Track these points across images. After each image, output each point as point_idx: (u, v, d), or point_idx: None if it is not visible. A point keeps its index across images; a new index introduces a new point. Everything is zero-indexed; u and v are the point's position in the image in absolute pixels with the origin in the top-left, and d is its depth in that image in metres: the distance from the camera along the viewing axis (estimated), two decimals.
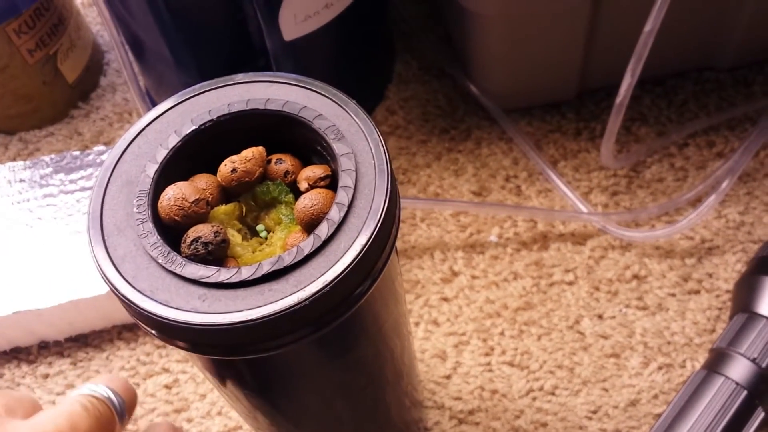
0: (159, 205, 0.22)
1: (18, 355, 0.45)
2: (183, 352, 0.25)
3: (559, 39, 0.45)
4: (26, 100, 0.52)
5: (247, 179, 0.23)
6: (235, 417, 0.42)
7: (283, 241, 0.23)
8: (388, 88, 0.53)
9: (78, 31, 0.54)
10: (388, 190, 0.22)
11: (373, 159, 0.22)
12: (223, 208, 0.23)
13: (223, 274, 0.21)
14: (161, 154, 0.23)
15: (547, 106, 0.51)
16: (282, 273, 0.21)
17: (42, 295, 0.42)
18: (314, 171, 0.23)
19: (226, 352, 0.21)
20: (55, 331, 0.44)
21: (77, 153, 0.47)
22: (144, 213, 0.22)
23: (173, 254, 0.21)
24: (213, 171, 0.24)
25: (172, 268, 0.21)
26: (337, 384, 0.27)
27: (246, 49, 0.44)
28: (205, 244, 0.22)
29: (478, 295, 0.44)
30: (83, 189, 0.46)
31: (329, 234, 0.21)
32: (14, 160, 0.52)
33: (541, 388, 0.41)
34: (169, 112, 0.24)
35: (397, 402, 0.33)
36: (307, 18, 0.42)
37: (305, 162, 0.24)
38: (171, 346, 0.22)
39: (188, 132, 0.23)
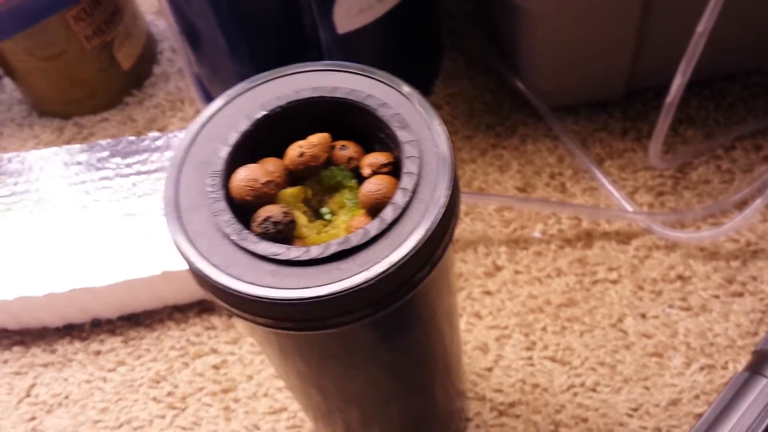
0: (231, 185, 0.23)
1: (71, 331, 0.46)
2: (245, 328, 0.26)
3: (609, 37, 0.45)
4: (82, 85, 0.54)
5: (313, 164, 0.24)
6: (281, 399, 0.43)
7: (346, 223, 0.24)
8: (435, 84, 0.54)
9: (134, 20, 0.55)
10: (451, 177, 0.22)
11: (436, 147, 0.23)
12: (289, 191, 0.24)
13: (294, 252, 0.22)
14: (233, 137, 0.24)
15: (594, 104, 0.51)
16: (349, 253, 0.21)
17: (97, 274, 0.43)
18: (377, 158, 0.24)
19: (294, 326, 0.22)
20: (108, 309, 0.45)
21: (133, 138, 0.48)
22: (217, 192, 0.23)
23: (246, 232, 0.22)
24: (279, 155, 0.25)
25: (245, 245, 0.22)
26: (389, 366, 0.28)
27: (299, 41, 0.45)
28: (275, 223, 0.23)
29: (521, 290, 0.45)
30: (138, 173, 0.47)
31: (394, 218, 0.22)
32: (69, 143, 0.54)
33: (582, 384, 0.42)
34: (239, 98, 0.25)
35: (443, 390, 0.34)
36: (361, 11, 0.43)
37: (367, 149, 0.25)
38: (239, 319, 0.23)
39: (258, 117, 0.24)
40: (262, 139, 0.25)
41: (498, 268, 0.45)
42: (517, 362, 0.43)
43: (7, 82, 0.58)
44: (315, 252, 0.22)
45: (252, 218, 0.23)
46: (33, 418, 0.44)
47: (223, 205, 0.23)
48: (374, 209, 0.23)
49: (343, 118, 0.25)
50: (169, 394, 0.44)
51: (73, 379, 0.45)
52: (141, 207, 0.46)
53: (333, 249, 0.21)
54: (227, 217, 0.23)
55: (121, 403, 0.44)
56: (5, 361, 0.46)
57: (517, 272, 0.45)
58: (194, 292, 0.45)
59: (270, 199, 0.23)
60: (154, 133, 0.50)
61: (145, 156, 0.48)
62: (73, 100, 0.55)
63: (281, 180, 0.24)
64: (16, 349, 0.46)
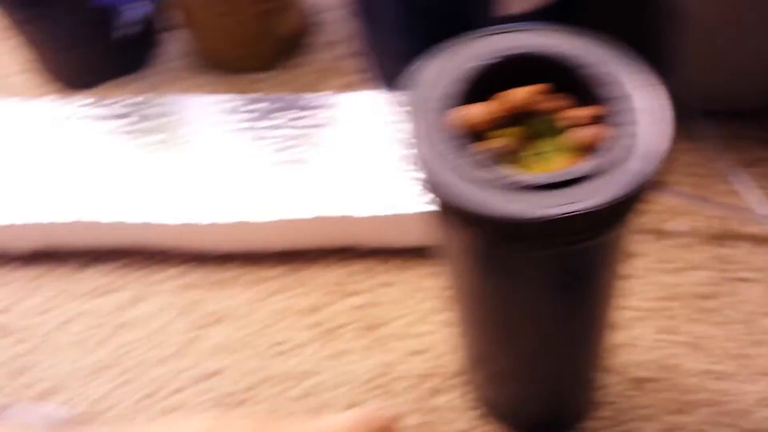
0: (458, 118, 0.27)
1: (236, 258, 0.51)
2: (449, 246, 0.30)
3: (764, 46, 0.47)
4: (246, 45, 0.59)
5: (527, 110, 0.27)
6: (425, 342, 0.46)
7: (558, 165, 0.27)
8: None
9: None
10: (668, 126, 0.25)
11: (649, 105, 0.26)
12: (506, 131, 0.28)
13: (524, 177, 0.25)
14: (460, 78, 0.28)
15: (741, 110, 0.52)
16: (575, 182, 0.25)
17: (259, 210, 0.48)
18: (587, 111, 0.27)
19: (519, 246, 0.25)
20: (265, 244, 0.50)
21: (304, 94, 0.53)
22: (446, 124, 0.27)
23: (475, 157, 0.26)
24: (493, 99, 0.28)
25: (476, 168, 0.25)
26: (576, 302, 0.31)
27: (466, 19, 0.48)
28: (498, 155, 0.26)
29: (660, 277, 0.47)
30: (307, 126, 0.51)
31: (617, 157, 0.25)
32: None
33: (714, 372, 0.43)
34: (459, 48, 0.29)
35: (599, 350, 0.37)
36: None
37: (576, 103, 0.28)
38: (456, 234, 0.26)
39: (481, 64, 0.28)
40: (481, 85, 0.28)
41: (637, 254, 0.48)
42: (651, 343, 0.45)
43: (175, 35, 0.64)
44: (545, 178, 0.25)
45: (474, 149, 0.27)
46: (198, 328, 0.49)
47: (451, 134, 0.26)
48: (587, 152, 0.26)
49: (554, 73, 0.28)
50: (321, 324, 0.48)
51: (236, 299, 0.50)
52: (309, 157, 0.50)
53: (561, 177, 0.25)
54: (459, 143, 0.26)
55: (278, 326, 0.48)
56: (174, 277, 0.51)
57: (657, 260, 0.47)
58: (347, 237, 0.49)
59: (490, 135, 0.27)
60: (326, 92, 0.54)
61: (314, 111, 0.52)
62: (239, 57, 0.60)
63: (499, 121, 0.28)
64: (184, 267, 0.51)
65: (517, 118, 0.28)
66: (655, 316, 0.45)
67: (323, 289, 0.49)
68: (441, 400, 0.44)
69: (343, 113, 0.52)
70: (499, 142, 0.26)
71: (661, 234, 0.48)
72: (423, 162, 0.26)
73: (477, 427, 0.43)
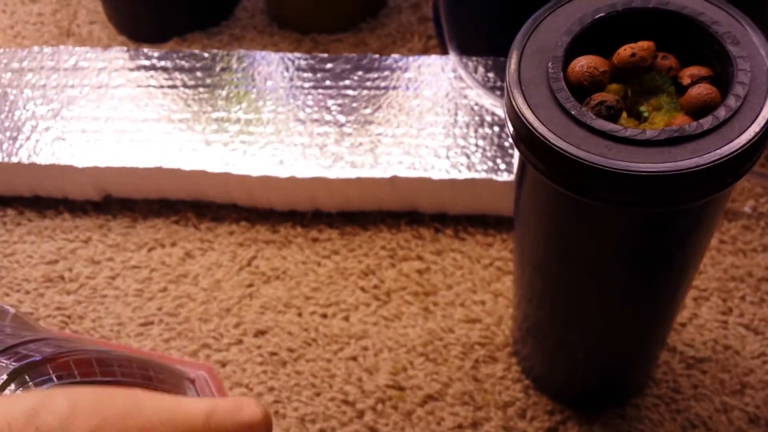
0: (570, 69, 0.26)
1: (294, 217, 0.51)
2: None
3: None
4: (327, 4, 0.59)
5: (640, 65, 0.27)
6: (476, 311, 0.46)
7: (665, 122, 0.26)
8: None
9: None
10: None
11: (766, 66, 0.25)
12: (614, 86, 0.27)
13: (630, 132, 0.24)
14: (573, 30, 0.27)
15: None
16: (681, 140, 0.24)
17: (333, 167, 0.48)
18: (699, 70, 0.27)
19: (617, 199, 0.25)
20: (332, 202, 0.50)
21: (376, 56, 0.53)
22: (558, 74, 0.26)
23: (584, 109, 0.25)
24: (604, 55, 0.28)
25: (583, 120, 0.25)
26: (651, 273, 0.30)
27: None
28: (608, 107, 0.26)
29: (724, 259, 0.46)
30: (378, 87, 0.51)
31: (726, 117, 0.24)
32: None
33: None
34: (573, 1, 0.28)
35: (667, 324, 0.36)
36: None
37: (683, 63, 0.28)
38: (560, 188, 0.26)
39: (597, 17, 0.27)
40: (593, 38, 0.28)
41: None
42: (711, 323, 0.44)
43: None
44: (650, 134, 0.24)
45: (585, 101, 0.26)
46: (251, 285, 0.49)
47: (563, 84, 0.26)
48: (697, 112, 0.25)
49: (666, 31, 0.28)
50: (376, 287, 0.48)
51: (291, 258, 0.50)
52: (379, 117, 0.50)
53: (666, 134, 0.24)
54: (567, 94, 0.26)
55: (332, 287, 0.48)
56: (231, 233, 0.51)
57: (722, 242, 0.47)
58: (412, 201, 0.49)
59: (601, 87, 0.26)
60: (395, 55, 0.54)
61: (386, 73, 0.52)
62: (314, 15, 0.60)
63: (607, 75, 0.27)
64: (243, 223, 0.51)
65: (630, 73, 0.27)
66: (719, 297, 0.45)
67: (380, 253, 0.49)
68: (489, 369, 0.44)
69: (417, 76, 0.52)
70: (611, 95, 0.26)
71: (728, 215, 0.47)
72: (523, 111, 0.26)
73: (523, 398, 0.43)
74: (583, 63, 0.26)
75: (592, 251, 0.30)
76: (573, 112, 0.25)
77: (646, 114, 0.27)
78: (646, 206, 0.25)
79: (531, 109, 0.26)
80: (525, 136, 0.26)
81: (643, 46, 0.27)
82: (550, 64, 0.26)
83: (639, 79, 0.27)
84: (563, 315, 0.36)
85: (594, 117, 0.25)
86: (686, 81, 0.27)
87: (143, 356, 0.34)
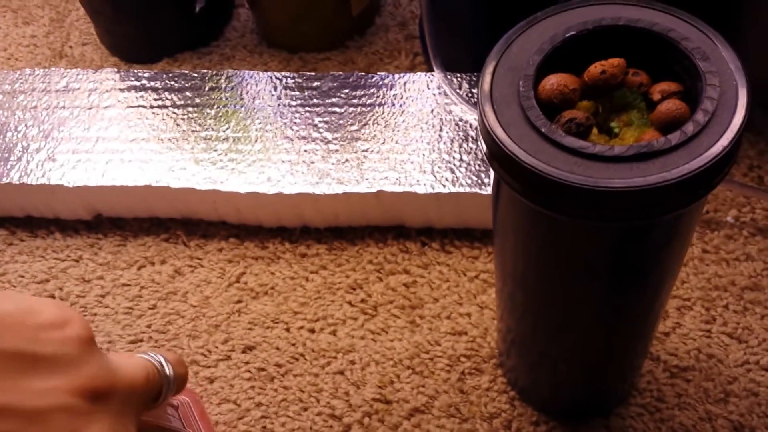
0: (541, 87, 0.27)
1: (282, 233, 0.52)
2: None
3: None
4: (315, 23, 0.59)
5: (611, 82, 0.27)
6: (462, 323, 0.46)
7: (635, 138, 0.27)
8: None
9: None
10: (747, 106, 0.25)
11: (735, 81, 0.26)
12: (584, 103, 0.28)
13: (599, 148, 0.25)
14: (545, 49, 0.28)
15: None
16: (649, 156, 0.25)
17: (320, 183, 0.48)
18: (669, 86, 0.27)
19: (587, 215, 0.25)
20: (320, 218, 0.50)
21: (363, 74, 0.53)
22: (529, 92, 0.27)
23: (554, 126, 0.26)
24: (574, 73, 0.28)
25: (553, 137, 0.26)
26: (636, 281, 0.31)
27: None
28: (578, 124, 0.26)
29: (707, 268, 0.47)
30: (364, 105, 0.52)
31: (694, 132, 0.25)
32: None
33: (757, 363, 0.43)
34: (548, 19, 0.29)
35: (647, 334, 0.37)
36: None
37: (654, 79, 0.28)
38: (528, 202, 0.26)
39: (567, 35, 0.28)
40: (565, 56, 0.28)
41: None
42: (694, 332, 0.45)
43: (242, 12, 0.65)
44: (618, 150, 0.25)
45: (555, 118, 0.27)
46: (239, 301, 0.49)
47: (533, 102, 0.27)
48: (666, 127, 0.26)
49: (637, 47, 0.28)
50: (363, 300, 0.48)
51: (279, 274, 0.50)
52: (365, 134, 0.51)
53: (635, 150, 0.25)
54: (537, 112, 0.26)
55: (319, 301, 0.49)
56: (220, 249, 0.52)
57: (705, 251, 0.47)
58: (398, 216, 0.50)
59: (571, 104, 0.27)
60: (381, 73, 0.54)
61: (372, 90, 0.53)
62: (303, 35, 0.60)
63: (577, 93, 0.28)
64: (232, 240, 0.52)
65: (601, 90, 0.28)
66: (702, 306, 0.45)
67: (367, 267, 0.50)
68: (475, 381, 0.45)
69: (403, 92, 0.52)
70: (580, 112, 0.27)
71: (711, 225, 0.48)
72: (495, 129, 0.26)
73: (508, 410, 0.43)
74: (553, 81, 0.27)
75: (567, 265, 0.30)
76: (543, 130, 0.26)
77: (616, 130, 0.28)
78: (616, 221, 0.26)
79: (502, 127, 0.26)
80: (497, 154, 0.26)
81: (614, 63, 0.28)
82: (521, 82, 0.27)
83: (610, 96, 0.28)
84: (544, 327, 0.36)
85: (563, 134, 0.26)
86: (656, 97, 0.27)
87: None
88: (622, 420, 0.42)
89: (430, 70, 0.54)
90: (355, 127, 0.51)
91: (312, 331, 0.48)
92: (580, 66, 0.28)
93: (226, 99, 0.54)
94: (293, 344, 0.47)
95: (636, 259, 0.29)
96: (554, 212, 0.26)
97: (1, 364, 0.22)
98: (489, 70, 0.28)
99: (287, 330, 0.48)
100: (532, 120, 0.26)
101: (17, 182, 0.52)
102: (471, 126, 0.50)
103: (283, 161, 0.50)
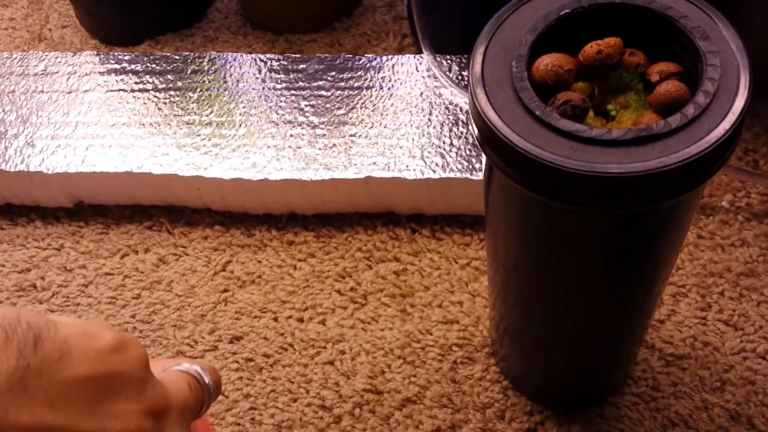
0: (535, 68, 0.26)
1: (269, 221, 0.51)
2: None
3: None
4: (301, 3, 0.58)
5: (607, 62, 0.26)
6: (454, 312, 0.45)
7: (632, 120, 0.26)
8: None
9: None
10: (749, 88, 0.24)
11: (737, 62, 0.25)
12: (579, 84, 0.26)
13: (596, 132, 0.24)
14: (538, 28, 0.26)
15: None
16: (648, 140, 0.24)
17: (307, 169, 0.47)
18: (667, 66, 0.26)
19: (581, 201, 0.24)
20: (307, 205, 0.49)
21: (350, 56, 0.52)
22: (522, 73, 0.26)
23: (548, 109, 0.25)
24: (569, 53, 0.27)
25: (547, 120, 0.24)
26: (633, 266, 0.30)
27: None
28: (574, 107, 0.25)
29: (702, 254, 0.46)
30: (352, 88, 0.50)
31: (695, 115, 0.24)
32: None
33: (753, 350, 0.43)
34: None
35: (644, 321, 0.36)
36: None
37: (652, 59, 0.27)
38: (526, 190, 0.25)
39: (562, 13, 0.27)
40: (559, 35, 0.27)
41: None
42: (690, 320, 0.44)
43: None
44: (616, 134, 0.24)
45: (550, 101, 0.26)
46: (226, 290, 0.48)
47: (527, 84, 0.25)
48: (665, 109, 0.25)
49: (634, 27, 0.27)
50: (352, 289, 0.47)
51: (267, 262, 0.49)
52: (353, 118, 0.49)
53: (633, 134, 0.24)
54: (531, 94, 0.25)
55: (308, 290, 0.48)
56: (206, 237, 0.50)
57: (700, 237, 0.46)
58: (387, 202, 0.49)
59: (566, 86, 0.26)
60: (369, 55, 0.53)
61: (359, 73, 0.51)
62: (289, 17, 0.59)
63: (572, 73, 0.26)
64: (217, 227, 0.51)
65: (597, 70, 0.27)
66: (697, 293, 0.44)
67: (355, 255, 0.48)
68: (467, 371, 0.44)
69: (391, 75, 0.51)
70: (576, 94, 0.25)
71: (705, 210, 0.47)
72: (487, 112, 0.25)
73: (502, 400, 0.43)
74: (547, 62, 0.26)
75: (562, 252, 0.29)
76: (537, 113, 0.25)
77: (613, 113, 0.26)
78: (614, 208, 0.24)
79: (495, 111, 0.25)
80: (489, 138, 0.25)
81: (610, 42, 0.26)
82: (514, 63, 0.26)
83: (606, 77, 0.27)
84: (537, 315, 0.35)
85: (559, 117, 0.24)
86: (655, 78, 0.26)
87: None
88: (617, 409, 0.41)
89: (419, 52, 0.52)
90: (342, 111, 0.50)
91: (301, 320, 0.47)
92: (575, 46, 0.27)
93: (209, 82, 0.53)
94: (282, 334, 0.46)
95: (633, 246, 0.28)
96: (549, 198, 0.25)
97: (81, 389, 0.22)
98: (480, 50, 0.26)
99: (275, 320, 0.47)
100: (525, 102, 0.25)
101: None
102: (461, 110, 0.49)
103: (269, 146, 0.49)
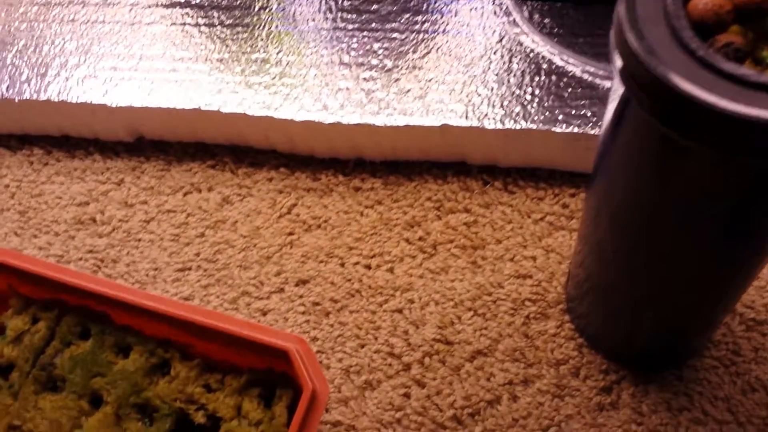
0: (692, 6, 0.24)
1: (335, 165, 0.49)
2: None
3: None
4: None
5: (764, 6, 0.25)
6: (527, 266, 0.45)
7: None
8: None
9: None
10: None
11: None
12: (734, 28, 0.25)
13: (765, 77, 0.23)
14: None
15: None
16: None
17: (376, 114, 0.46)
18: None
19: (742, 151, 0.23)
20: (376, 151, 0.48)
21: None
22: (679, 11, 0.24)
23: (711, 49, 0.23)
24: None
25: (711, 61, 0.23)
26: (745, 232, 0.29)
27: None
28: (736, 50, 0.24)
29: None
30: (427, 31, 0.49)
31: None
32: None
33: None
34: None
35: (739, 290, 0.35)
36: None
37: None
38: (679, 137, 0.24)
39: None
40: None
41: None
42: None
43: None
44: None
45: (708, 42, 0.24)
46: (291, 233, 0.47)
47: (686, 22, 0.24)
48: None
49: None
50: (421, 239, 0.46)
51: (333, 207, 0.48)
52: (428, 63, 0.48)
53: None
54: (691, 33, 0.24)
55: (375, 237, 0.47)
56: (270, 179, 0.49)
57: None
58: (461, 152, 0.47)
59: (724, 28, 0.24)
60: None
61: (435, 16, 0.49)
62: None
63: (733, 15, 0.25)
64: (282, 170, 0.49)
65: (753, 14, 0.25)
66: None
67: (425, 204, 0.47)
68: (540, 326, 0.43)
69: (469, 20, 0.49)
70: (738, 36, 0.24)
71: None
72: (639, 53, 0.24)
73: (576, 357, 0.42)
74: (707, 0, 0.24)
75: (690, 207, 0.28)
76: (700, 53, 0.23)
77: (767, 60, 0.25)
78: (759, 158, 0.23)
79: (650, 51, 0.24)
80: (644, 81, 0.24)
81: None
82: (672, 2, 0.24)
83: (761, 22, 0.25)
84: (637, 275, 0.34)
85: (724, 59, 0.23)
86: None
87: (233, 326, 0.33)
88: (695, 372, 0.41)
89: None
90: (417, 55, 0.48)
91: (368, 267, 0.46)
92: None
93: (278, 20, 0.51)
94: (349, 280, 0.45)
95: (766, 208, 0.27)
96: (706, 145, 0.24)
97: None
98: None
99: (342, 265, 0.46)
100: (686, 42, 0.23)
101: (56, 100, 0.49)
102: (543, 58, 0.47)
103: (340, 89, 0.47)
